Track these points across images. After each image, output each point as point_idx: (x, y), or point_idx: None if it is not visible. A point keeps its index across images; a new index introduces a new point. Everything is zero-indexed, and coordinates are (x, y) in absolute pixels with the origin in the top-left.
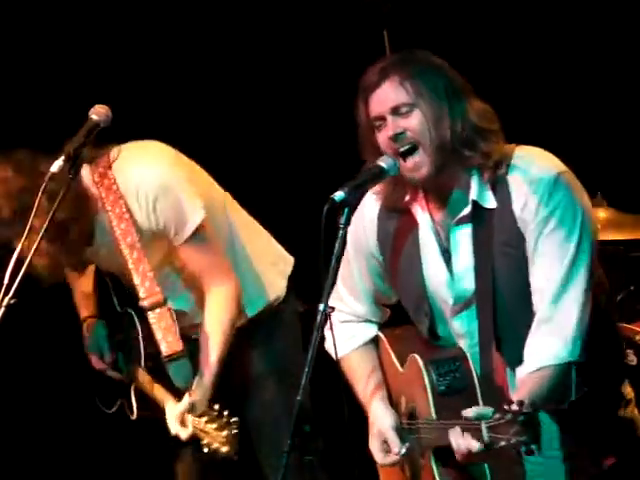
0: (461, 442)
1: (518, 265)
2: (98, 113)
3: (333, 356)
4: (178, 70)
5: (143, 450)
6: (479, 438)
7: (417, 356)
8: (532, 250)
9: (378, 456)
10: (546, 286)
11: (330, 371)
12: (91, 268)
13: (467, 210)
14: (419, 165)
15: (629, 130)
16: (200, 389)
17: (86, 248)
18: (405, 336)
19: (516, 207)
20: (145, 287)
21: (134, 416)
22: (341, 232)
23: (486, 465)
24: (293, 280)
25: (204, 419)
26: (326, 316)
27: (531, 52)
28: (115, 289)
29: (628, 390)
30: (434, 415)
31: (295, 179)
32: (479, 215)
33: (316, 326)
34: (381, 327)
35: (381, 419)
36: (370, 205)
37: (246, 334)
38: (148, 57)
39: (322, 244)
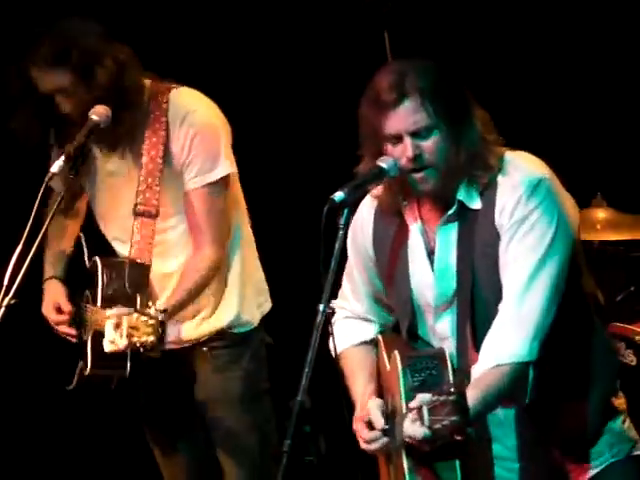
0: (409, 429)
1: (496, 267)
2: (98, 113)
3: (333, 353)
4: (177, 72)
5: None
6: (423, 422)
7: (397, 352)
8: (504, 249)
9: (363, 432)
10: (512, 284)
11: (330, 373)
12: (76, 227)
13: (452, 210)
14: (427, 179)
15: (629, 130)
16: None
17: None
18: (401, 339)
19: (497, 209)
20: (144, 195)
21: (87, 371)
22: (341, 232)
23: (458, 468)
24: (265, 320)
25: (135, 315)
26: (326, 316)
27: (531, 52)
28: (88, 245)
29: (620, 402)
30: (404, 410)
31: (295, 180)
32: (464, 215)
33: (316, 326)
34: (384, 331)
35: (364, 403)
36: (367, 207)
37: (213, 357)
38: (148, 58)
39: (322, 244)
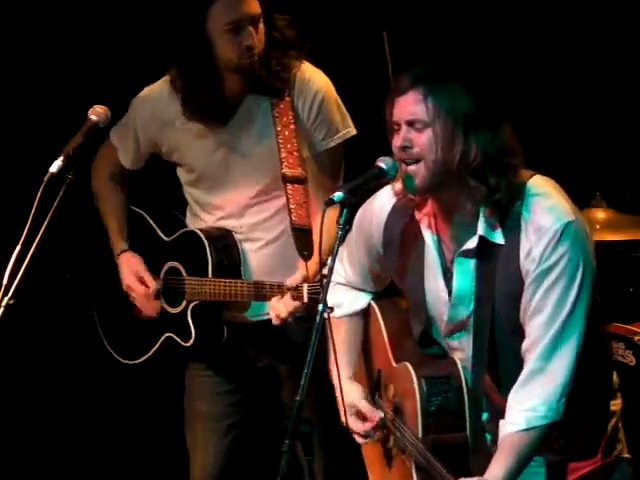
0: None
1: (515, 305)
2: (97, 113)
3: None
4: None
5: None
6: None
7: (410, 367)
8: (528, 301)
9: (356, 425)
10: (539, 339)
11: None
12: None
13: (473, 244)
14: (414, 173)
15: (628, 130)
16: (312, 266)
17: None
18: (399, 310)
19: (522, 252)
20: (288, 161)
21: (191, 341)
22: (340, 233)
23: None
24: None
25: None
26: (325, 316)
27: (530, 52)
28: (156, 222)
29: (615, 403)
30: (420, 433)
31: None
32: (485, 249)
33: (315, 327)
34: (376, 296)
35: (350, 392)
36: (382, 202)
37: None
38: (148, 58)
39: (320, 244)
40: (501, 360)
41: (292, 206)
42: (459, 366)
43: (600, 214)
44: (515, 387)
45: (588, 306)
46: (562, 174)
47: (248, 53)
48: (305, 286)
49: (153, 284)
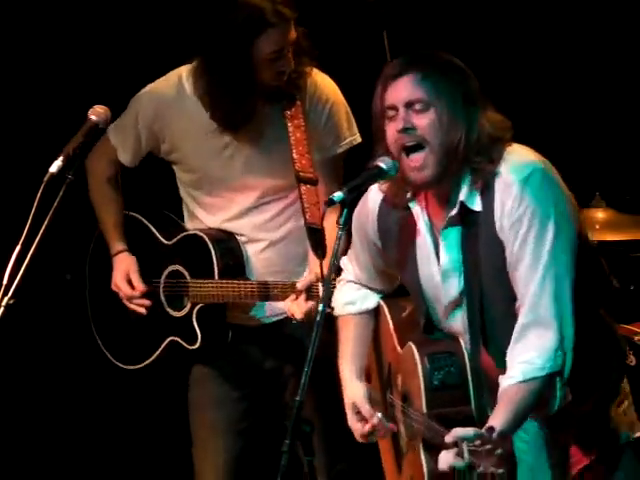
0: (445, 456)
1: (501, 269)
2: (97, 114)
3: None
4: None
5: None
6: (462, 457)
7: (413, 346)
8: (509, 252)
9: (355, 426)
10: (524, 291)
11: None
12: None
13: (454, 211)
14: (423, 165)
15: (628, 130)
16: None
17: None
18: (406, 305)
19: (496, 213)
20: (301, 162)
21: (197, 344)
22: (340, 232)
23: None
24: None
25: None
26: (326, 316)
27: (530, 52)
28: (154, 225)
29: (624, 385)
30: (425, 408)
31: None
32: (467, 217)
33: (315, 326)
34: (384, 297)
35: (352, 391)
36: (372, 198)
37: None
38: (148, 58)
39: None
40: (494, 333)
41: (306, 205)
42: (462, 343)
43: (600, 214)
44: (511, 344)
45: (569, 252)
46: (562, 174)
47: (282, 77)
48: (320, 285)
49: (140, 286)
